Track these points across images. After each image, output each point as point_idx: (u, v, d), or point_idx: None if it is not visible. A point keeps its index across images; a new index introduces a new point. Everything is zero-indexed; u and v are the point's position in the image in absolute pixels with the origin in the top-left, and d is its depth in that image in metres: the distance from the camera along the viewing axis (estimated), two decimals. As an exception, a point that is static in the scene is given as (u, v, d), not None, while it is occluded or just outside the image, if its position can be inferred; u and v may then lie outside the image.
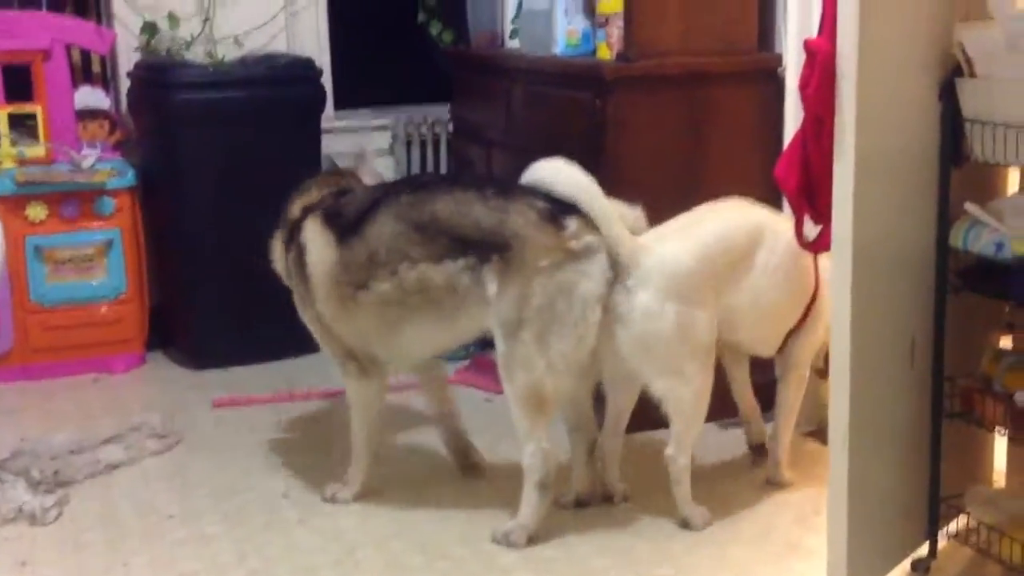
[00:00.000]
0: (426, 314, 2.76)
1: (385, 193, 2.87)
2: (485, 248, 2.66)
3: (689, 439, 2.74)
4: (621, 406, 2.89)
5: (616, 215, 2.67)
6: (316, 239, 2.86)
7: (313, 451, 3.27)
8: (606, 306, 2.64)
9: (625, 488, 2.94)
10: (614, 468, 2.92)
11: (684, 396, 2.69)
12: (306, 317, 2.94)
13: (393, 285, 2.75)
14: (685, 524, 2.79)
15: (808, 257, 2.77)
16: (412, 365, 3.01)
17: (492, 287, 2.66)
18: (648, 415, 2.85)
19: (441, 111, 4.48)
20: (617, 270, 2.64)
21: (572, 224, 2.64)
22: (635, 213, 2.78)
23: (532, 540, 2.71)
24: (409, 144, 4.50)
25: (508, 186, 2.75)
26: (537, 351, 2.63)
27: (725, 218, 2.81)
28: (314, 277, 2.85)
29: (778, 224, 2.81)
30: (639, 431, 3.05)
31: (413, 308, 2.75)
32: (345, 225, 2.83)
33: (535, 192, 2.70)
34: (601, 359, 2.72)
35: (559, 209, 2.65)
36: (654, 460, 2.85)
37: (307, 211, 2.93)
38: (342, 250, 2.81)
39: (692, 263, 2.68)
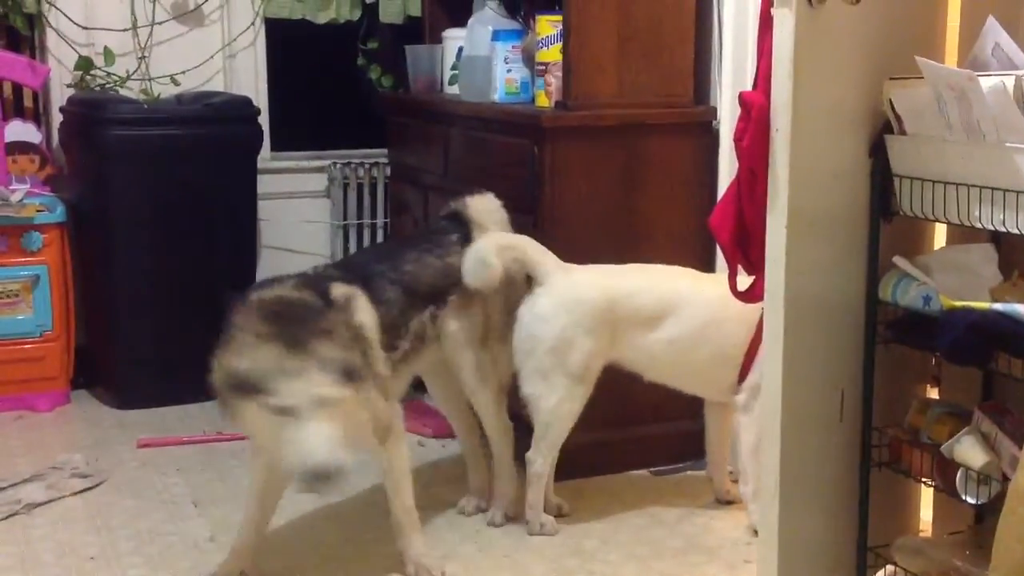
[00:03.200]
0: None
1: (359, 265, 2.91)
2: (442, 292, 2.90)
3: (546, 446, 2.93)
4: None
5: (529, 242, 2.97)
6: (366, 309, 2.70)
7: (240, 494, 3.21)
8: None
9: (560, 503, 3.05)
10: (549, 482, 3.01)
11: (547, 404, 2.90)
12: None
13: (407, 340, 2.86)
14: (532, 530, 2.95)
15: (742, 310, 2.80)
16: None
17: (454, 323, 2.92)
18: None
19: (378, 154, 4.48)
20: (533, 282, 2.93)
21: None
22: (490, 203, 3.07)
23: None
24: (346, 187, 4.49)
25: (430, 234, 3.07)
26: (504, 351, 2.96)
27: (644, 280, 2.97)
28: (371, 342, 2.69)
29: (699, 294, 2.92)
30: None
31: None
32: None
33: (453, 233, 3.00)
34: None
35: (466, 233, 2.98)
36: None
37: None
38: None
39: (598, 297, 2.90)
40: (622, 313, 2.91)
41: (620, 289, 2.93)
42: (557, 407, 2.90)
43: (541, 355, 2.88)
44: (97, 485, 3.26)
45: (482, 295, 2.92)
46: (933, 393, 2.53)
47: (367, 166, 4.51)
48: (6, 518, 3.03)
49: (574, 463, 3.23)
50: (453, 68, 3.89)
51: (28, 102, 4.20)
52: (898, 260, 2.28)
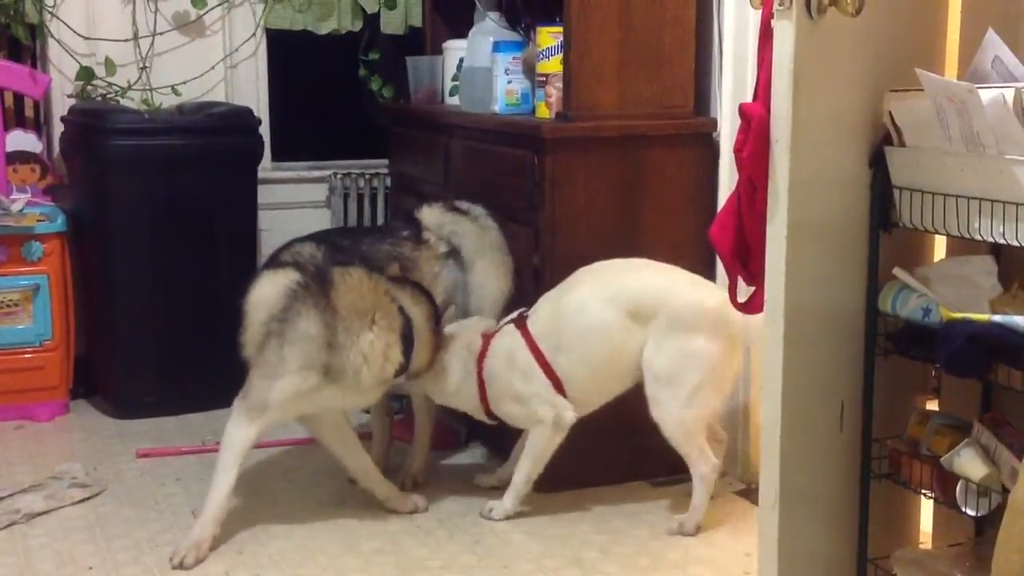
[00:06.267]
0: None
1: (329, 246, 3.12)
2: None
3: None
4: None
5: None
6: None
7: (238, 503, 3.21)
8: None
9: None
10: None
11: None
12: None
13: None
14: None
15: None
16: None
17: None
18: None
19: (379, 165, 4.49)
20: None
21: (431, 237, 3.28)
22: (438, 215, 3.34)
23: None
24: (346, 197, 4.50)
25: (377, 227, 3.51)
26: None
27: None
28: None
29: None
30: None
31: None
32: None
33: (395, 224, 3.39)
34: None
35: (416, 230, 3.26)
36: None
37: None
38: None
39: None
40: None
41: None
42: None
43: None
44: (96, 495, 3.26)
45: (424, 282, 3.10)
46: (933, 405, 2.53)
47: (368, 176, 4.51)
48: (5, 528, 3.03)
49: (573, 474, 3.23)
50: (454, 79, 3.90)
51: (29, 112, 4.21)
52: (898, 271, 2.28)
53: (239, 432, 2.92)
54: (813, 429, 2.32)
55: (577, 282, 3.06)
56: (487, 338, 3.10)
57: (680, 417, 2.97)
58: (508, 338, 3.07)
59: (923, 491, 2.34)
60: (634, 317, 2.98)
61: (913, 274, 2.27)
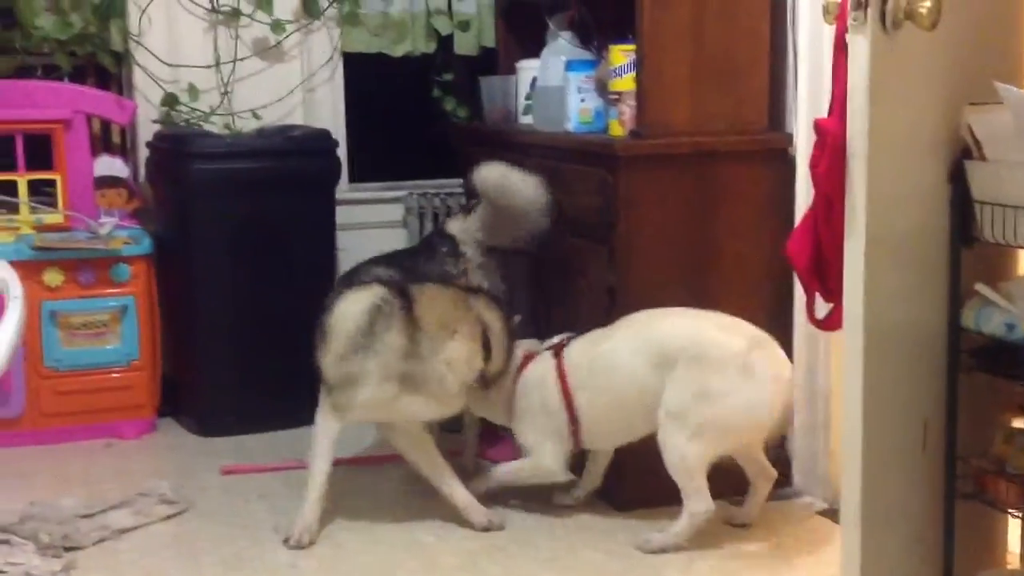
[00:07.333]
0: None
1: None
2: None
3: None
4: None
5: None
6: None
7: (322, 520, 3.25)
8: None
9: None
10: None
11: None
12: None
13: None
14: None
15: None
16: None
17: None
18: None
19: (454, 184, 4.53)
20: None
21: (467, 250, 3.44)
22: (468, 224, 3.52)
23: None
24: (422, 216, 4.54)
25: (420, 247, 3.65)
26: None
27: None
28: None
29: None
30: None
31: None
32: None
33: (434, 240, 3.54)
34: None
35: (452, 246, 3.44)
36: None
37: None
38: None
39: None
40: None
41: None
42: None
43: None
44: (183, 511, 3.33)
45: (479, 301, 3.16)
46: (1019, 422, 2.48)
47: (443, 196, 4.56)
48: (95, 543, 3.10)
49: (652, 492, 3.22)
50: (527, 98, 3.92)
51: (116, 138, 4.33)
52: (980, 287, 2.25)
53: (326, 423, 3.12)
54: (895, 448, 2.29)
55: (615, 329, 3.11)
56: (528, 358, 3.20)
57: (682, 450, 2.95)
58: (543, 364, 3.17)
59: (1010, 510, 2.30)
60: (658, 366, 2.98)
61: (996, 289, 2.24)
